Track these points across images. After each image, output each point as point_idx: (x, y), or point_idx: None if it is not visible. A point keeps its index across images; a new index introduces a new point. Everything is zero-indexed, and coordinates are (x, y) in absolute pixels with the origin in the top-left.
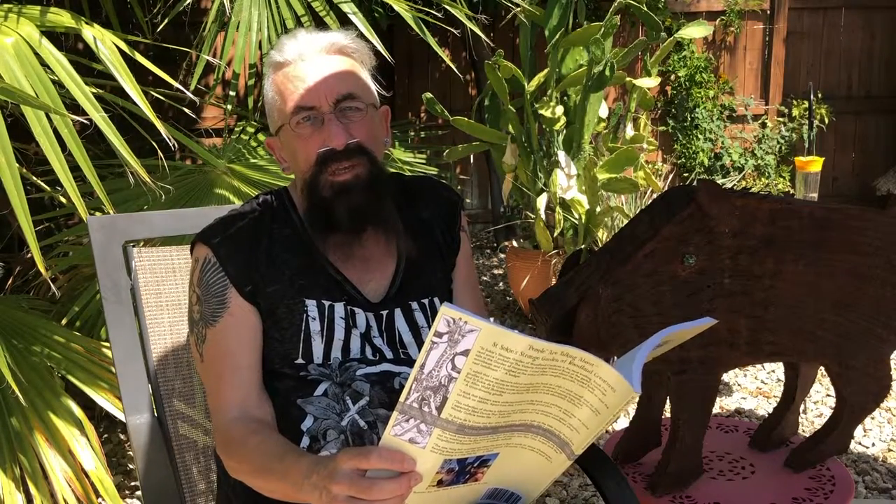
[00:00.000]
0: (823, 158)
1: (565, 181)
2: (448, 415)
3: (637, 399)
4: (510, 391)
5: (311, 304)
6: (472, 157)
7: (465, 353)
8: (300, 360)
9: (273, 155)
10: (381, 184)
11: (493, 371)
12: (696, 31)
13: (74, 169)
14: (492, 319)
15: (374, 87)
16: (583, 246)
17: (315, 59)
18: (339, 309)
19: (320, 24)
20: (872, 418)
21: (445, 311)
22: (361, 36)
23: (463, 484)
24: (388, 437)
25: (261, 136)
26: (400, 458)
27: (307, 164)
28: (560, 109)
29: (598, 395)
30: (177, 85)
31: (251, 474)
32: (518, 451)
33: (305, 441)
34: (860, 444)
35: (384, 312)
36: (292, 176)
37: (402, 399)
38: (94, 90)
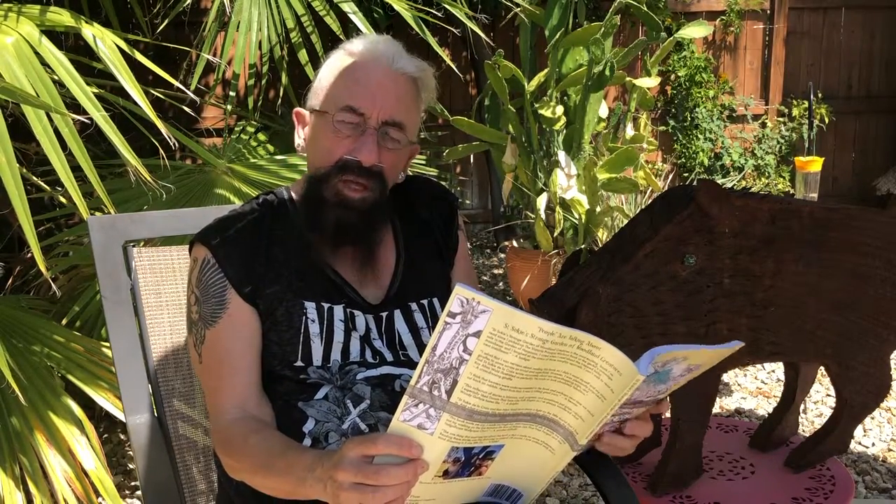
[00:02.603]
0: (823, 158)
1: (565, 181)
2: (458, 399)
3: (641, 383)
4: (520, 376)
5: (311, 307)
6: (472, 157)
7: (477, 334)
8: (299, 363)
9: (296, 124)
10: (379, 213)
11: (504, 354)
12: (696, 31)
13: (75, 169)
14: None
15: (419, 123)
16: (583, 246)
17: (391, 73)
18: (339, 311)
19: (320, 24)
20: (872, 418)
21: (459, 291)
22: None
23: (467, 477)
24: (397, 422)
25: (261, 136)
26: (407, 444)
27: (326, 159)
28: (560, 109)
29: (603, 380)
30: (177, 84)
31: (252, 472)
32: (522, 444)
33: (307, 442)
34: (860, 444)
35: (384, 314)
36: (293, 176)
37: (412, 383)
38: (94, 89)
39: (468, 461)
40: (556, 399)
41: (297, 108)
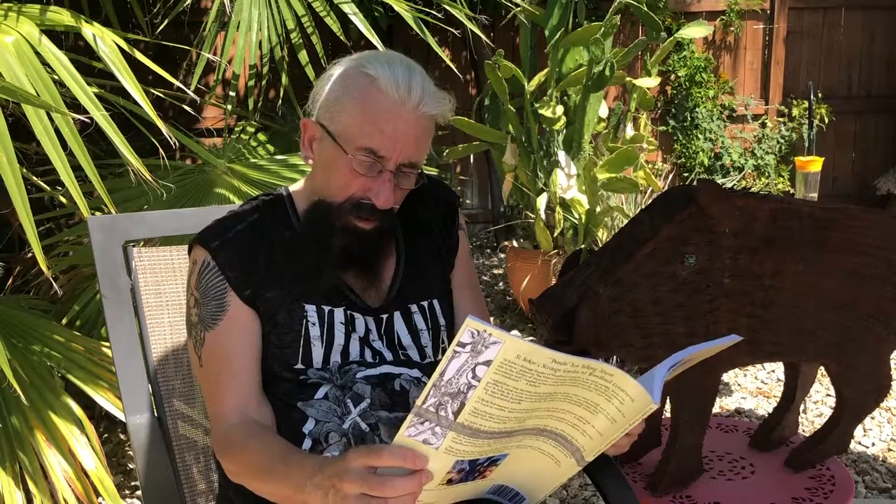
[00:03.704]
0: (823, 158)
1: (565, 181)
2: (464, 420)
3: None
4: (529, 399)
5: (311, 310)
6: (472, 157)
7: (487, 363)
8: (300, 365)
9: (302, 134)
10: (387, 240)
11: (514, 381)
12: (696, 31)
13: (75, 168)
14: (490, 323)
15: None
16: (583, 246)
17: (414, 117)
18: (339, 314)
19: (320, 25)
20: (872, 418)
21: (470, 324)
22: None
23: (471, 482)
24: (402, 437)
25: (261, 136)
26: (412, 456)
27: (339, 192)
28: (560, 109)
29: (615, 405)
30: (177, 84)
31: (251, 476)
32: (528, 453)
33: (307, 443)
34: (860, 444)
35: (384, 316)
36: (293, 175)
37: (418, 403)
38: (94, 89)
39: (472, 470)
40: (566, 417)
41: (305, 120)
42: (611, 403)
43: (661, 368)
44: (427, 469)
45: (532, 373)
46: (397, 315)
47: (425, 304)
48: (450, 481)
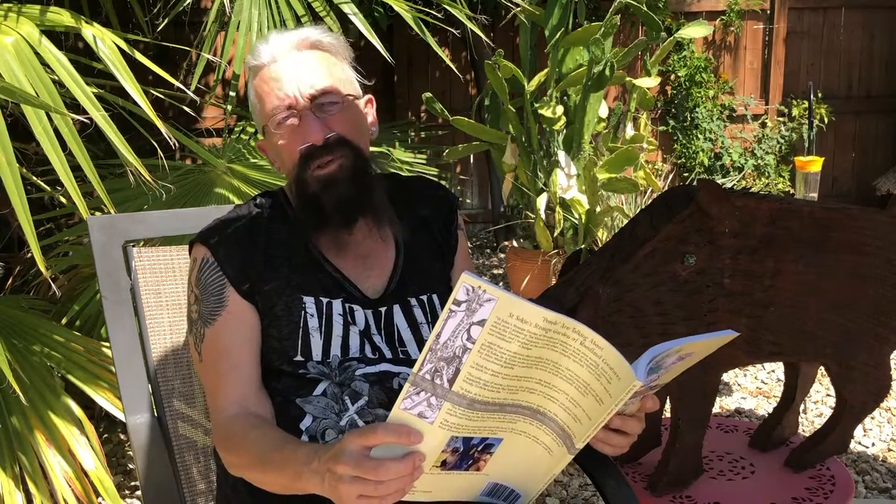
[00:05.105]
0: (823, 158)
1: (565, 181)
2: (459, 388)
3: (638, 389)
4: (521, 364)
5: (309, 301)
6: (472, 157)
7: (482, 322)
8: (299, 358)
9: (266, 157)
10: (367, 174)
11: (507, 343)
12: (696, 31)
13: (75, 169)
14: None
15: (354, 77)
16: (583, 246)
17: (287, 58)
18: (337, 306)
19: (320, 24)
20: (872, 418)
21: (466, 279)
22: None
23: (465, 471)
24: (398, 410)
25: (261, 137)
26: (406, 431)
27: (292, 161)
28: (560, 109)
29: (602, 383)
30: (178, 84)
31: (250, 467)
32: (521, 441)
33: (304, 440)
34: (860, 444)
35: (382, 309)
36: None
37: (414, 370)
38: (94, 90)
39: (466, 452)
40: (556, 396)
41: (258, 142)
42: (599, 382)
43: (650, 352)
44: (421, 451)
45: (525, 333)
46: (396, 308)
47: (425, 297)
48: (444, 463)
